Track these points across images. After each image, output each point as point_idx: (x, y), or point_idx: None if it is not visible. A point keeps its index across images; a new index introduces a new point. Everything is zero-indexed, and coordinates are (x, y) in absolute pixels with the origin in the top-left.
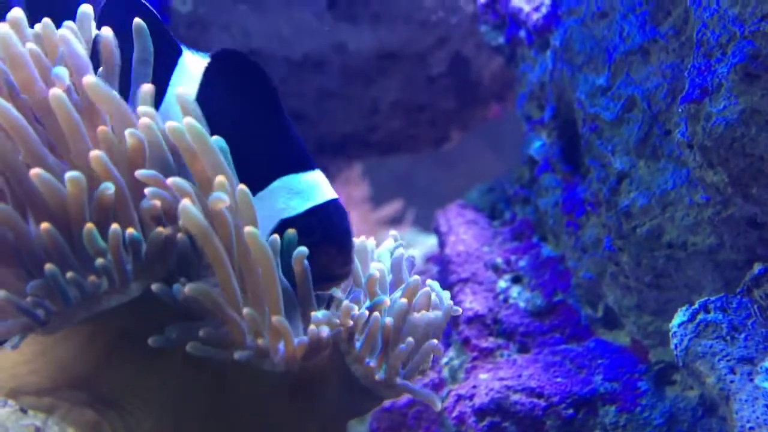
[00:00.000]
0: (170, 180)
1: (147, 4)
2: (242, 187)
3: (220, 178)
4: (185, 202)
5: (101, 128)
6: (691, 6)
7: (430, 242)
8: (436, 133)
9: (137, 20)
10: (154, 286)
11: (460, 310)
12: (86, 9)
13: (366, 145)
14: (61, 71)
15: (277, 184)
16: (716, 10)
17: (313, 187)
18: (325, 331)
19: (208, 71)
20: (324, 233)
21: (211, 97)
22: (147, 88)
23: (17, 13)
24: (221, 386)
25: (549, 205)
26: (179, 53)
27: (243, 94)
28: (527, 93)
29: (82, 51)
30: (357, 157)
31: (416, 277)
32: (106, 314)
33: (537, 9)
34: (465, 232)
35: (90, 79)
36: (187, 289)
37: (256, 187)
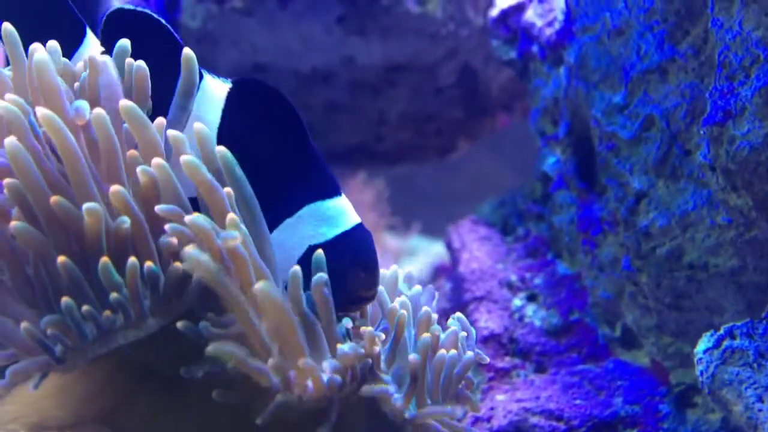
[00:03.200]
0: (187, 218)
1: (168, 27)
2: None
3: (231, 216)
4: (188, 249)
5: (131, 152)
6: (712, 28)
7: (435, 250)
8: (443, 143)
9: (187, 50)
10: (179, 324)
11: (487, 359)
12: (124, 44)
13: (372, 155)
14: (83, 104)
15: (305, 211)
16: (739, 32)
17: (341, 213)
18: (345, 370)
19: (230, 96)
20: (353, 258)
21: (234, 123)
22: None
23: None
24: (244, 423)
25: (564, 223)
26: (200, 77)
27: (267, 121)
28: (541, 108)
29: (116, 78)
30: (363, 167)
31: (429, 311)
32: (128, 351)
33: (550, 24)
34: (478, 248)
35: (126, 102)
36: (210, 349)
37: (283, 214)
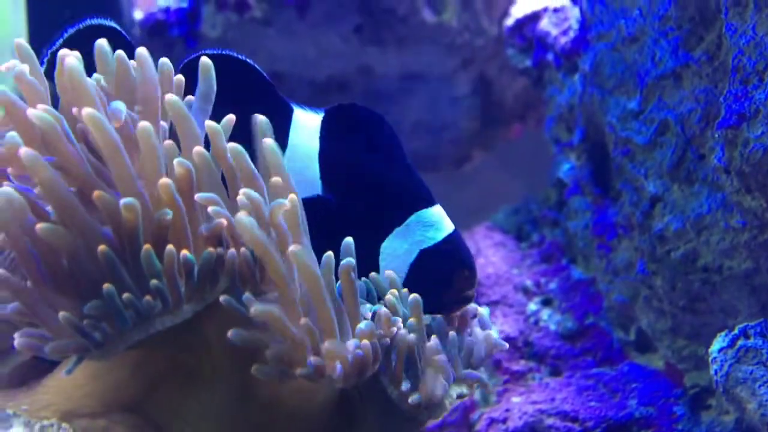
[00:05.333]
0: (242, 191)
1: (256, 66)
2: (293, 197)
3: (293, 196)
4: (241, 215)
5: (168, 142)
6: (726, 33)
7: None
8: (458, 153)
9: (204, 59)
10: (222, 298)
11: (506, 346)
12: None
13: None
14: (120, 105)
15: (412, 219)
16: (752, 37)
17: (442, 219)
18: (369, 345)
19: (325, 123)
20: (460, 258)
21: (334, 146)
22: (227, 120)
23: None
24: (269, 412)
25: (579, 228)
26: (291, 110)
27: (367, 141)
28: (555, 116)
29: (155, 75)
30: None
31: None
32: (155, 338)
33: (565, 33)
34: (494, 254)
35: (172, 96)
36: (253, 310)
37: (393, 223)
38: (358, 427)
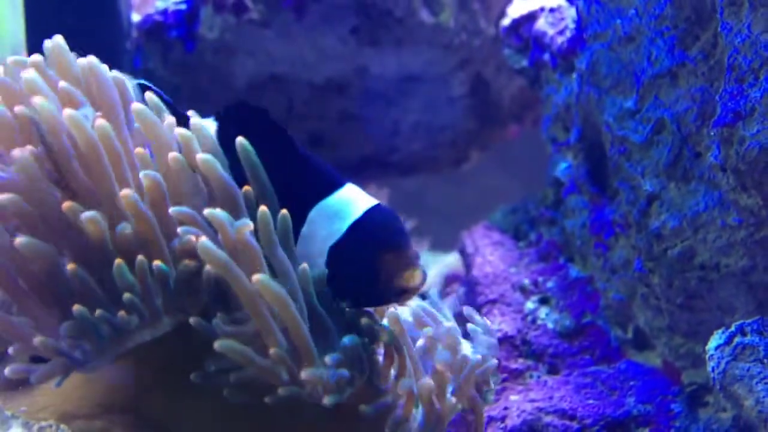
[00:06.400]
0: (206, 211)
1: (162, 93)
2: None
3: (262, 208)
4: (203, 240)
5: (138, 150)
6: (721, 31)
7: (446, 260)
8: (456, 154)
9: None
10: (191, 320)
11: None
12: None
13: (385, 165)
14: (88, 111)
15: (313, 214)
16: (748, 36)
17: (348, 203)
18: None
19: (219, 132)
20: (375, 241)
21: (230, 161)
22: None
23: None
24: (266, 412)
25: (576, 227)
26: (187, 118)
27: (259, 145)
28: (552, 115)
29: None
30: (376, 178)
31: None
32: (149, 344)
33: (561, 32)
34: (491, 253)
35: (138, 105)
36: (217, 345)
37: (296, 226)
38: (361, 425)
